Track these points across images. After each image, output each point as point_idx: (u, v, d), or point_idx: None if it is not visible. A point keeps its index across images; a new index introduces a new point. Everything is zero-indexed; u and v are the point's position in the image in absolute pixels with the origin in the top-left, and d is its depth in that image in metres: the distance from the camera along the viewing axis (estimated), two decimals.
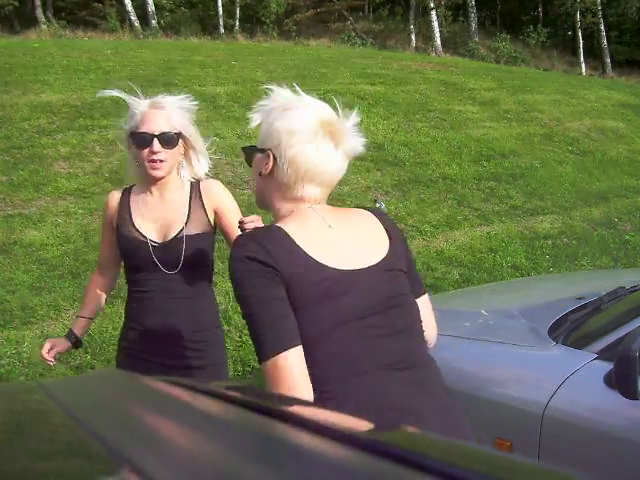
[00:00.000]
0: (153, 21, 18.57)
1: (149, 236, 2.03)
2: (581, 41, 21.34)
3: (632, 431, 1.78)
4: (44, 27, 17.39)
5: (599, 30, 21.68)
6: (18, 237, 5.36)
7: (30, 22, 18.14)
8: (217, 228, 2.12)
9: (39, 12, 19.04)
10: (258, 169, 1.41)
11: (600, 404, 1.88)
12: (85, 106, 8.07)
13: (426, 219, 6.48)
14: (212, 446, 0.61)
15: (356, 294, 1.32)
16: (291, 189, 1.38)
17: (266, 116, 1.41)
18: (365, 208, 1.52)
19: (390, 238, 1.44)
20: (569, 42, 24.12)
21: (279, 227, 1.34)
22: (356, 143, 1.41)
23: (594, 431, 1.84)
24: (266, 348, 1.24)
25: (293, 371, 1.23)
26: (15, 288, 4.57)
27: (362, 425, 0.81)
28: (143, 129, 1.97)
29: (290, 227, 1.33)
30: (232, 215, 2.08)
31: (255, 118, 1.42)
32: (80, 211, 5.89)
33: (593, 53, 22.26)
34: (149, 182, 2.06)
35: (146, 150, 1.97)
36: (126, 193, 2.12)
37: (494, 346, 2.31)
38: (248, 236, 1.35)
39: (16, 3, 19.06)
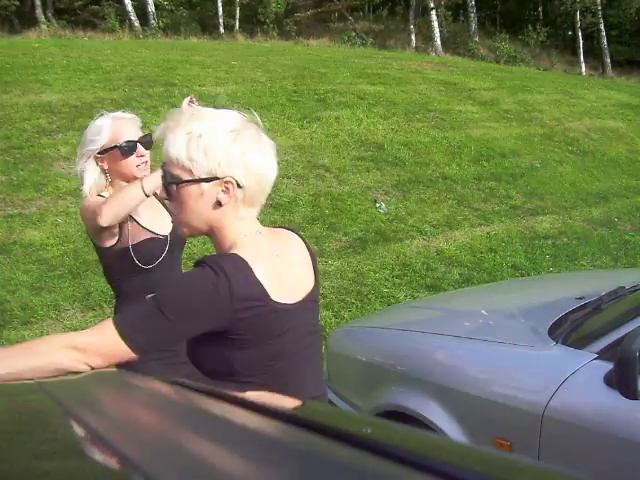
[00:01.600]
0: (153, 21, 18.57)
1: (162, 232, 2.11)
2: (581, 41, 21.33)
3: (632, 431, 1.78)
4: (44, 27, 17.38)
5: (599, 30, 21.68)
6: (18, 237, 5.36)
7: (30, 22, 18.13)
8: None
9: (39, 12, 19.04)
10: (211, 200, 1.31)
11: (600, 404, 1.88)
12: (85, 106, 8.06)
13: (426, 219, 6.48)
14: (211, 446, 0.61)
15: (296, 329, 1.36)
16: (247, 208, 1.34)
17: (196, 142, 1.28)
18: (286, 227, 1.51)
19: (313, 262, 1.47)
20: (569, 42, 24.11)
21: (241, 257, 1.28)
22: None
23: (594, 431, 1.84)
24: (138, 337, 1.24)
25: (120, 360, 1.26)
26: (15, 288, 4.57)
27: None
28: (124, 139, 2.05)
29: (248, 257, 1.28)
30: None
31: (176, 144, 1.29)
32: None
33: (593, 53, 22.25)
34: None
35: (132, 157, 2.06)
36: None
37: (494, 346, 2.31)
38: (219, 262, 1.27)
39: (17, 2, 19.07)
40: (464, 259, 5.70)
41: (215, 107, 1.40)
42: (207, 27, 19.83)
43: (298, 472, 0.53)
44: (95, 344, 1.23)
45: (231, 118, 1.32)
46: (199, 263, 1.28)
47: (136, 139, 2.07)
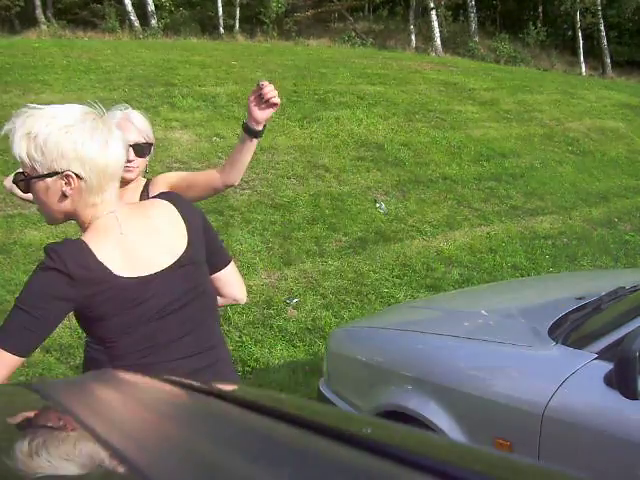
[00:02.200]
0: (153, 21, 18.56)
1: None
2: (581, 41, 21.33)
3: (632, 431, 1.78)
4: (44, 27, 17.36)
5: (599, 30, 21.67)
6: (18, 237, 5.36)
7: (30, 22, 18.13)
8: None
9: (39, 12, 19.03)
10: (57, 193, 1.40)
11: (600, 404, 1.88)
12: None
13: (426, 219, 6.48)
14: (211, 446, 0.61)
15: (152, 299, 1.42)
16: (94, 195, 1.41)
17: (33, 140, 1.36)
18: (161, 196, 1.56)
19: (188, 225, 1.50)
20: (569, 42, 24.11)
21: (83, 242, 1.38)
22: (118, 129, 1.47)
23: (594, 431, 1.84)
24: (11, 341, 1.34)
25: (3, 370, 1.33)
26: (15, 288, 4.57)
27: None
28: None
29: (92, 240, 1.39)
30: (185, 174, 2.21)
31: (18, 145, 1.38)
32: None
33: (593, 53, 22.24)
34: None
35: None
36: None
37: (494, 346, 2.31)
38: (56, 248, 1.37)
39: (22, 3, 19.05)
40: (464, 259, 5.70)
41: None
42: (207, 27, 19.82)
43: (298, 472, 0.53)
44: None
45: (66, 113, 1.39)
46: (44, 250, 1.38)
47: (131, 142, 2.07)
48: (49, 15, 19.70)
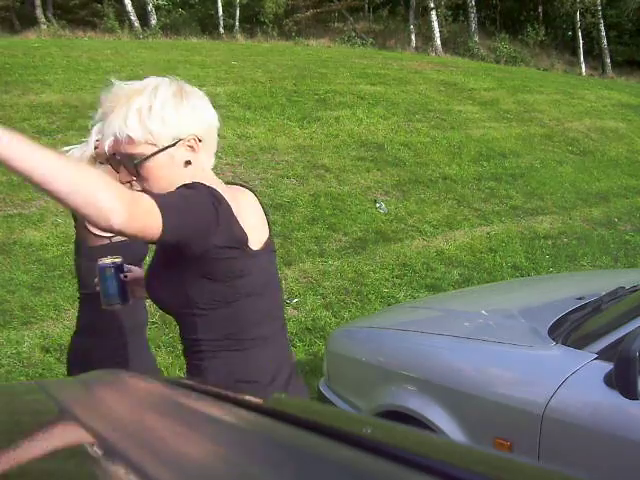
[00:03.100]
0: (153, 21, 18.56)
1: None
2: (581, 41, 21.32)
3: (632, 431, 1.78)
4: (44, 27, 17.37)
5: (599, 30, 21.67)
6: (18, 237, 5.36)
7: (30, 22, 18.13)
8: None
9: (39, 12, 19.04)
10: (180, 163, 1.36)
11: (600, 404, 1.88)
12: (85, 106, 8.05)
13: (426, 219, 6.48)
14: (211, 446, 0.61)
15: (257, 275, 1.38)
16: (209, 158, 1.41)
17: (146, 114, 1.32)
18: (240, 185, 1.52)
19: (266, 215, 1.48)
20: (569, 42, 24.09)
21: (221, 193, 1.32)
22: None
23: (594, 431, 1.84)
24: (171, 217, 1.21)
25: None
26: (15, 288, 4.57)
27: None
28: None
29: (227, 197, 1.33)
30: None
31: (130, 124, 1.31)
32: None
33: (593, 53, 22.24)
34: None
35: None
36: None
37: (494, 346, 2.31)
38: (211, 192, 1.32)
39: (18, 3, 19.07)
40: (464, 259, 5.70)
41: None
42: (207, 27, 19.82)
43: (298, 472, 0.53)
44: (136, 199, 1.17)
45: (164, 83, 1.37)
46: (190, 185, 1.30)
47: None
48: (49, 15, 19.70)
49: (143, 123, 1.31)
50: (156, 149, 1.33)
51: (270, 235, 1.45)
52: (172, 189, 1.32)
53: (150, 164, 1.34)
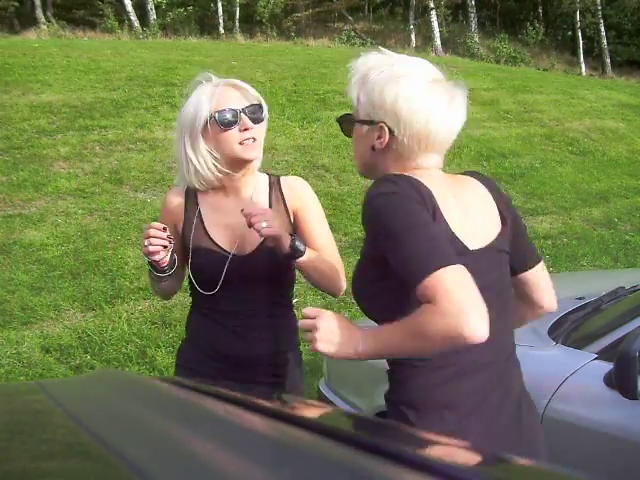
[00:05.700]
0: (153, 21, 18.57)
1: (226, 248, 1.74)
2: (581, 41, 21.33)
3: (632, 431, 1.78)
4: (44, 27, 17.37)
5: (599, 30, 21.67)
6: (18, 237, 5.36)
7: (30, 22, 18.14)
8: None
9: (39, 12, 19.04)
10: (369, 144, 1.31)
11: (600, 404, 1.88)
12: (85, 106, 8.06)
13: None
14: (211, 446, 0.61)
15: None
16: (411, 160, 1.30)
17: (365, 83, 1.31)
18: (472, 174, 1.42)
19: (499, 210, 1.35)
20: (569, 42, 24.10)
21: (419, 180, 1.23)
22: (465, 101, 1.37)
23: (594, 431, 1.84)
24: (432, 260, 1.09)
25: (469, 278, 1.09)
26: (15, 288, 4.57)
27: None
28: (223, 107, 1.66)
29: (425, 183, 1.23)
30: (316, 221, 1.79)
31: (354, 84, 1.33)
32: (80, 211, 5.89)
33: (593, 53, 22.25)
34: (221, 180, 1.74)
35: (233, 130, 1.66)
36: (192, 194, 1.79)
37: None
38: (391, 177, 1.24)
39: (16, 4, 19.07)
40: None
41: None
42: (207, 27, 19.83)
43: (298, 472, 0.53)
44: (438, 287, 1.07)
45: (407, 65, 1.38)
46: (378, 182, 1.24)
47: (242, 107, 1.67)
48: (49, 15, 19.71)
49: (359, 89, 1.37)
50: (356, 118, 1.37)
51: (501, 234, 1.36)
52: (362, 169, 1.40)
53: (354, 130, 1.39)
